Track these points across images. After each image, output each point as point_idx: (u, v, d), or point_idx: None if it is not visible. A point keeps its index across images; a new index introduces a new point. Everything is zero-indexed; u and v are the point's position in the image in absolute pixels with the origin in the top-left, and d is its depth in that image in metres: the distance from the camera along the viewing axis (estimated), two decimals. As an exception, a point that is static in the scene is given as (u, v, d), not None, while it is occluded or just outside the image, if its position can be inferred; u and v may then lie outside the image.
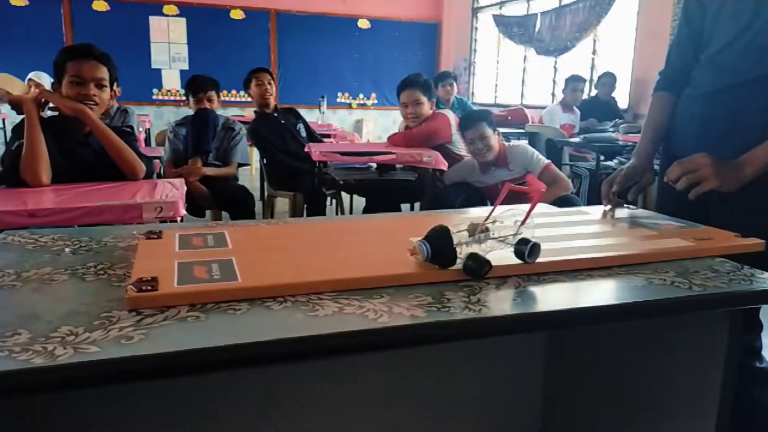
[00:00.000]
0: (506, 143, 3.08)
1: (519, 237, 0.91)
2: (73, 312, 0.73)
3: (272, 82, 3.71)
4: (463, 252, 0.87)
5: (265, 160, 3.85)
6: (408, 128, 3.44)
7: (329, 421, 1.28)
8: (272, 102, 3.71)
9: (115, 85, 2.03)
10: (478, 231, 0.90)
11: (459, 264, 0.86)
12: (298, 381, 1.23)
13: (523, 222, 0.94)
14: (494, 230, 0.92)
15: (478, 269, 0.84)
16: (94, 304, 0.75)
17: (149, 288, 0.76)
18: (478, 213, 1.31)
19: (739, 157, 1.23)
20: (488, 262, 0.84)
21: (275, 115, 3.69)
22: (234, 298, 0.77)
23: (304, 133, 3.75)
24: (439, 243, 0.85)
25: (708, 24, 1.38)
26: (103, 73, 1.94)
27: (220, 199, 3.07)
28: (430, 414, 1.36)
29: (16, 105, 1.93)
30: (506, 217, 0.96)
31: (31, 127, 1.84)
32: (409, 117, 3.37)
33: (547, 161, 2.88)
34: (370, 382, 1.29)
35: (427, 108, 3.32)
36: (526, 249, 0.88)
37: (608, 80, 5.28)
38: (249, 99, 8.05)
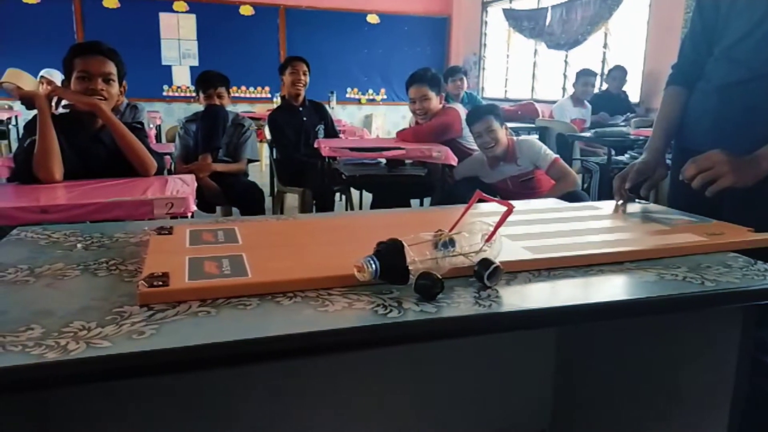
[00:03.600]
0: (515, 138, 3.07)
1: (482, 256, 0.84)
2: (86, 307, 0.73)
3: (307, 73, 3.66)
4: (416, 268, 0.79)
5: (274, 153, 3.85)
6: (418, 123, 3.43)
7: (339, 416, 1.29)
8: (302, 94, 3.68)
9: (123, 80, 2.04)
10: (441, 242, 0.83)
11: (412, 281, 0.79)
12: (308, 376, 1.23)
13: (489, 238, 0.86)
14: (460, 241, 0.84)
15: (430, 289, 0.78)
16: (106, 300, 0.76)
17: (160, 283, 0.77)
18: (487, 209, 1.31)
19: (755, 152, 1.21)
20: (440, 281, 0.78)
21: (300, 109, 3.68)
22: (244, 293, 0.78)
23: (322, 135, 3.73)
24: (390, 260, 0.78)
25: (722, 17, 1.37)
26: (111, 68, 1.95)
27: (230, 195, 3.08)
28: (439, 409, 1.36)
29: (27, 101, 1.93)
30: (474, 230, 0.87)
31: (43, 123, 1.85)
32: (417, 113, 3.36)
33: (554, 156, 2.87)
34: (380, 377, 1.30)
35: (435, 103, 3.30)
36: (485, 273, 0.81)
37: (618, 74, 5.24)
38: (258, 95, 8.06)
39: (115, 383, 1.04)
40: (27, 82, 1.93)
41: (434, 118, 3.30)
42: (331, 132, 3.83)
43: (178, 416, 1.17)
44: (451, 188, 3.10)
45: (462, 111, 3.39)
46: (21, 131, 2.06)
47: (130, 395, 1.12)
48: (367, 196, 4.01)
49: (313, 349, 0.72)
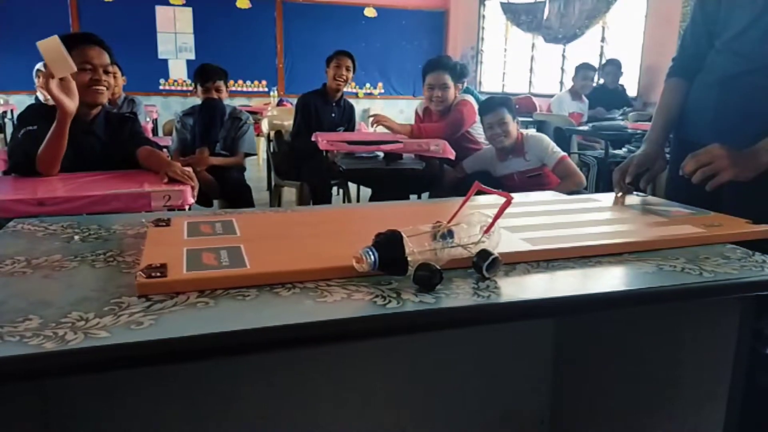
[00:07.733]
0: (524, 132, 3.06)
1: (480, 247, 0.84)
2: (84, 298, 0.73)
3: (351, 69, 3.67)
4: (415, 259, 0.79)
5: (272, 147, 3.83)
6: (425, 113, 3.41)
7: (337, 406, 1.29)
8: (342, 90, 3.68)
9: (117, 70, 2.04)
10: (440, 234, 0.82)
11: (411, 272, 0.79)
12: (306, 366, 1.23)
13: (487, 230, 0.85)
14: (458, 233, 0.84)
15: (429, 280, 0.77)
16: (104, 291, 0.75)
17: (158, 274, 0.77)
18: (486, 201, 1.30)
19: (754, 145, 1.21)
20: (439, 272, 0.78)
21: (334, 104, 3.68)
22: (243, 284, 0.78)
23: None
24: (389, 251, 0.78)
25: (723, 8, 1.36)
26: (108, 58, 1.96)
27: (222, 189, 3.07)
28: (438, 401, 1.36)
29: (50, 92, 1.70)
30: (472, 221, 0.87)
31: (61, 128, 1.78)
32: (434, 100, 3.28)
33: (562, 154, 2.85)
34: (378, 368, 1.30)
35: (452, 93, 3.26)
36: (484, 264, 0.81)
37: (612, 68, 5.21)
38: (255, 89, 8.03)
39: (114, 376, 1.05)
40: (62, 64, 1.57)
41: (453, 111, 3.27)
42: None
43: (174, 406, 1.17)
44: (461, 182, 3.09)
45: (474, 102, 3.38)
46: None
47: (126, 386, 1.11)
48: (364, 191, 4.00)
49: (311, 339, 0.72)
